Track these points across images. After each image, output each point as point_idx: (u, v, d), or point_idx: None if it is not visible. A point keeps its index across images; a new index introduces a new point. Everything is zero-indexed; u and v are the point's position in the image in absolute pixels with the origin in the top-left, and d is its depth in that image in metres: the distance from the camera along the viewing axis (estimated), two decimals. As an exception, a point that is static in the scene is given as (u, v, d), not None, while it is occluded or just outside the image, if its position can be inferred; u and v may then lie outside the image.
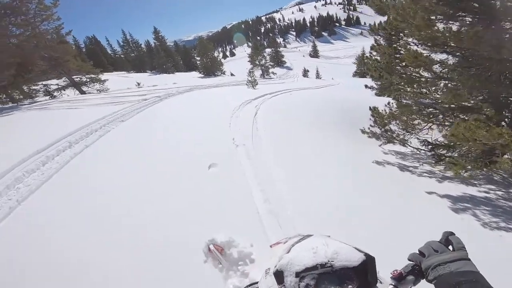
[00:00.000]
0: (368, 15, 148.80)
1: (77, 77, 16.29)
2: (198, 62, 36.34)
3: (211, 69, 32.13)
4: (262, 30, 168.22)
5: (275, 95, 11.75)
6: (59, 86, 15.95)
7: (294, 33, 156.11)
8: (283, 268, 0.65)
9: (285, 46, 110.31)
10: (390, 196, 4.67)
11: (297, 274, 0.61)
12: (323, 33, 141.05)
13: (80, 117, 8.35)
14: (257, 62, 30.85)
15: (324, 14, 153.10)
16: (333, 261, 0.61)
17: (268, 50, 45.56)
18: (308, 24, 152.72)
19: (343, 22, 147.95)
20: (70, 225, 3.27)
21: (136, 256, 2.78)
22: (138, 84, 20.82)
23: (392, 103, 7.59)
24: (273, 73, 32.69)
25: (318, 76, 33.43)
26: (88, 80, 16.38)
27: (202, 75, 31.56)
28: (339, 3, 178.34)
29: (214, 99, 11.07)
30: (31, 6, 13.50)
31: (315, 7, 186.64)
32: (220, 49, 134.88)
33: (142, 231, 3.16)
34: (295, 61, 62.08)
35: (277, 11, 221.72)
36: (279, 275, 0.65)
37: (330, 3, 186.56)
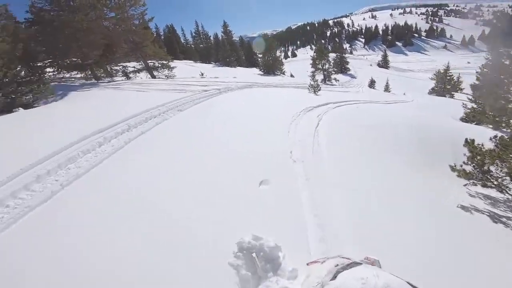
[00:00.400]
0: (456, 28, 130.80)
1: (150, 62, 17.38)
2: (259, 59, 36.38)
3: (272, 67, 31.76)
4: (328, 34, 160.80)
5: (339, 105, 10.54)
6: (135, 69, 17.22)
7: (362, 40, 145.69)
8: None
9: (351, 53, 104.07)
10: (478, 253, 3.54)
11: None
12: (397, 42, 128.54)
13: (144, 101, 8.60)
14: (319, 66, 29.27)
15: (401, 23, 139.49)
16: None
17: (332, 55, 43.14)
18: (381, 32, 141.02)
19: (423, 33, 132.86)
20: (105, 217, 2.96)
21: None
22: (202, 74, 21.61)
23: (497, 138, 5.88)
24: (335, 79, 30.65)
25: (387, 88, 29.97)
26: (159, 65, 17.29)
27: (262, 73, 31.42)
28: (421, 13, 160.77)
29: (273, 100, 10.45)
30: (124, -11, 14.57)
31: (391, 15, 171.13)
32: (282, 49, 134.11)
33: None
34: (360, 69, 57.77)
35: (346, 16, 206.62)
36: None
37: (410, 12, 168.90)
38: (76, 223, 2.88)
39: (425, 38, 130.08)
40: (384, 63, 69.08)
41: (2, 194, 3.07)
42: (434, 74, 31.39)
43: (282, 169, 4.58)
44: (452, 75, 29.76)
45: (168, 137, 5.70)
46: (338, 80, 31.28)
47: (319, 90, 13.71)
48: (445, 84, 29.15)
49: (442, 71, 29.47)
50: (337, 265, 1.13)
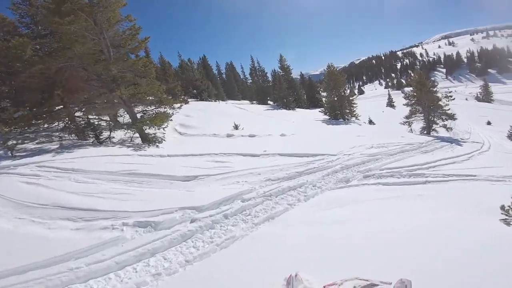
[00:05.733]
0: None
1: (150, 109, 9.91)
2: (324, 98, 28.31)
3: (340, 109, 23.02)
4: (398, 66, 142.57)
5: None
6: (109, 124, 9.69)
7: (443, 70, 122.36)
8: None
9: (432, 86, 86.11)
10: None
11: None
12: (489, 70, 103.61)
13: None
14: (419, 107, 18.75)
15: (489, 47, 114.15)
16: None
17: (407, 90, 31.17)
18: (465, 60, 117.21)
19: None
20: None
21: None
22: (236, 127, 14.12)
23: None
24: (446, 127, 19.26)
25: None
26: (152, 115, 9.53)
27: (327, 117, 22.91)
28: (508, 35, 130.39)
29: None
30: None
31: (472, 39, 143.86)
32: (347, 86, 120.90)
33: None
34: (455, 106, 43.07)
35: (416, 46, 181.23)
36: None
37: (495, 35, 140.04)
38: None
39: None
40: (485, 96, 55.10)
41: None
42: None
43: None
44: None
45: None
46: (451, 129, 19.90)
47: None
48: None
49: None
50: (355, 287, 1.25)
